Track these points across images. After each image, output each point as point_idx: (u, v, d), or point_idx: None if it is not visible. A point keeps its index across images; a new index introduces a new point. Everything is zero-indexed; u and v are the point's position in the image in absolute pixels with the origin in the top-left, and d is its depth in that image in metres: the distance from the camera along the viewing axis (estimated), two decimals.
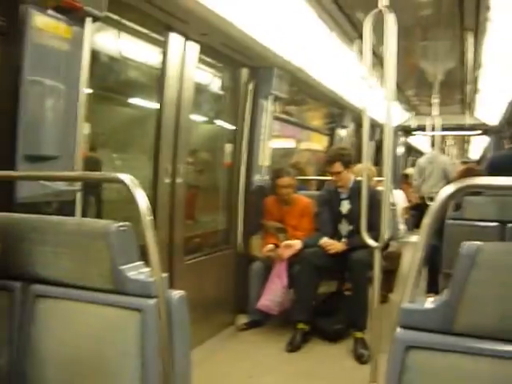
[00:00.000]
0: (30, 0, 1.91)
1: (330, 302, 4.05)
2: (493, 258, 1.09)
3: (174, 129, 3.22)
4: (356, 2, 3.56)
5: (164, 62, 3.10)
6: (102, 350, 1.37)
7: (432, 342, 1.12)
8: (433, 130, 7.15)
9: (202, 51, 3.39)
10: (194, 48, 3.27)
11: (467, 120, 8.24)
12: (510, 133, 5.42)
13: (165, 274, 1.35)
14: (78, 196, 2.22)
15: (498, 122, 7.66)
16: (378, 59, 4.35)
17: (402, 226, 5.77)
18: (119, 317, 1.36)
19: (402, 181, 9.31)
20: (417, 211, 8.05)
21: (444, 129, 7.54)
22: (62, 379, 1.42)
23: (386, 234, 2.76)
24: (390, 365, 1.16)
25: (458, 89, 6.87)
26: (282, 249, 3.84)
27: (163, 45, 3.09)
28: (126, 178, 1.36)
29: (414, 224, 8.36)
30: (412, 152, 13.12)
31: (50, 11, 1.98)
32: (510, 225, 3.40)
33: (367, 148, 2.99)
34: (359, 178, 3.44)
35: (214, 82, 4.16)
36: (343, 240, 3.81)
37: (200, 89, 3.78)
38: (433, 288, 4.13)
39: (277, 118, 4.85)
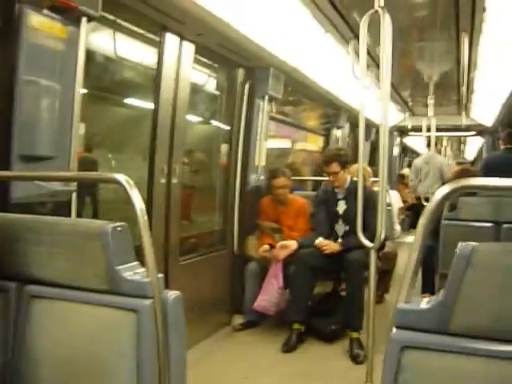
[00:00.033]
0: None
1: (326, 303, 4.05)
2: (488, 258, 1.09)
3: (169, 129, 3.22)
4: (352, 2, 3.56)
5: (159, 63, 3.09)
6: (98, 351, 1.36)
7: (428, 342, 1.12)
8: (428, 130, 7.16)
9: (198, 51, 3.39)
10: (189, 48, 3.27)
11: (463, 121, 8.26)
12: (505, 134, 5.43)
13: (160, 275, 1.35)
14: (74, 196, 2.22)
15: (493, 123, 7.69)
16: (374, 60, 4.36)
17: (397, 227, 5.79)
18: (115, 317, 1.36)
19: (397, 181, 9.35)
20: (412, 212, 8.08)
21: (439, 129, 7.55)
22: (57, 380, 1.42)
23: (381, 234, 2.77)
24: (386, 365, 1.16)
25: (454, 90, 6.88)
26: (278, 249, 3.84)
27: (159, 45, 3.09)
28: (122, 178, 1.36)
29: (410, 224, 8.40)
30: (408, 152, 13.16)
31: (45, 11, 1.97)
32: (505, 225, 3.42)
33: (363, 148, 3.00)
34: (355, 179, 3.45)
35: (209, 82, 4.16)
36: (339, 240, 3.81)
37: (196, 89, 3.77)
38: (427, 288, 4.15)
39: (272, 119, 4.85)
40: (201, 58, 3.69)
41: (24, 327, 1.46)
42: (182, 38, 3.18)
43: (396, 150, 10.03)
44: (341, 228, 3.88)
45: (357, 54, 3.02)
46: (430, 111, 6.80)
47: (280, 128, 6.60)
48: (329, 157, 3.87)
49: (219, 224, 4.24)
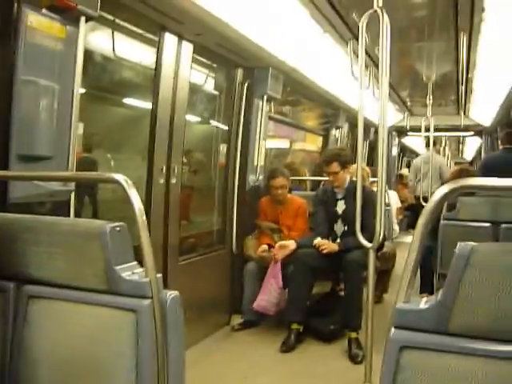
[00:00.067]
0: None
1: (325, 303, 4.05)
2: (487, 258, 1.09)
3: (168, 129, 3.22)
4: (351, 2, 3.56)
5: (158, 62, 3.09)
6: (96, 351, 1.36)
7: (426, 342, 1.12)
8: (427, 130, 7.17)
9: (197, 51, 3.39)
10: (188, 48, 3.27)
11: (461, 121, 8.27)
12: (503, 134, 5.44)
13: (159, 275, 1.35)
14: (72, 196, 2.21)
15: (491, 123, 7.70)
16: (373, 60, 4.36)
17: (396, 227, 5.80)
18: (113, 317, 1.35)
19: (396, 181, 9.36)
20: (411, 212, 8.09)
21: (438, 129, 7.56)
22: (55, 380, 1.42)
23: (380, 234, 2.77)
24: (385, 365, 1.16)
25: (452, 90, 6.89)
26: (277, 249, 3.84)
27: (157, 45, 3.09)
28: (121, 178, 1.36)
29: (409, 224, 8.41)
30: (406, 152, 13.16)
31: (44, 10, 1.97)
32: (503, 225, 3.42)
33: (362, 148, 3.00)
34: (355, 179, 3.45)
35: (208, 82, 4.16)
36: (338, 241, 3.81)
37: (194, 89, 3.77)
38: (426, 288, 4.15)
39: (271, 119, 4.85)
40: (199, 58, 3.69)
41: (22, 327, 1.46)
42: (181, 37, 3.18)
43: (395, 150, 10.04)
44: (340, 228, 3.88)
45: (355, 54, 3.03)
46: (429, 111, 6.80)
47: (279, 128, 6.61)
48: (329, 157, 3.87)
49: (218, 224, 4.24)
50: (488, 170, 4.97)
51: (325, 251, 3.66)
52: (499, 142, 5.75)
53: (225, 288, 4.06)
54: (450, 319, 1.11)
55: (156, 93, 3.11)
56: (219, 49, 3.52)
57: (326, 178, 4.03)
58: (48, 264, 1.46)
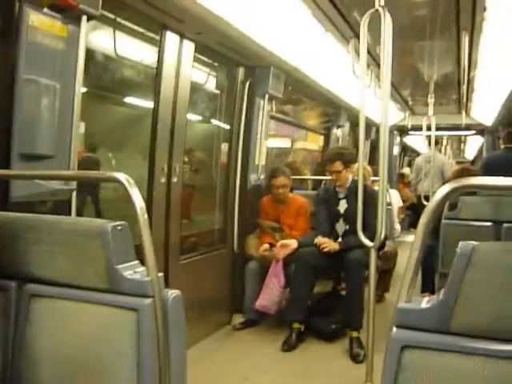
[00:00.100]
0: None
1: (326, 302, 4.05)
2: (489, 257, 1.09)
3: (169, 128, 3.21)
4: (352, 1, 3.55)
5: (159, 61, 3.09)
6: (98, 350, 1.36)
7: (428, 341, 1.12)
8: (428, 129, 7.16)
9: (198, 50, 3.38)
10: (189, 47, 3.27)
11: (463, 120, 8.26)
12: (505, 133, 5.44)
13: (160, 274, 1.35)
14: (74, 195, 2.22)
15: (493, 123, 7.69)
16: (374, 59, 4.35)
17: (397, 226, 5.80)
18: (115, 316, 1.36)
19: (397, 180, 9.36)
20: (413, 211, 8.09)
21: (439, 129, 7.56)
22: (57, 378, 1.42)
23: (381, 233, 2.76)
24: (386, 364, 1.16)
25: (454, 89, 6.88)
26: (278, 248, 3.84)
27: (159, 43, 3.09)
28: (122, 177, 1.36)
29: (410, 224, 8.41)
30: (408, 152, 13.15)
31: (45, 9, 1.97)
32: (505, 224, 3.42)
33: (363, 147, 2.99)
34: (357, 178, 3.44)
35: (209, 80, 4.16)
36: (339, 240, 3.81)
37: (196, 88, 3.77)
38: (427, 288, 4.15)
39: (273, 118, 4.85)
40: (201, 57, 3.69)
41: (24, 326, 1.46)
42: (182, 36, 3.18)
43: (396, 149, 10.04)
44: (341, 227, 3.87)
45: (357, 53, 3.02)
46: (430, 110, 6.80)
47: (280, 127, 6.61)
48: (332, 155, 3.87)
49: (219, 223, 4.24)
50: (489, 169, 4.96)
51: (325, 250, 3.66)
52: (500, 141, 5.74)
53: (226, 287, 4.06)
54: (451, 319, 1.10)
55: (157, 92, 3.11)
56: (220, 47, 3.52)
57: (328, 177, 4.02)
58: (49, 263, 1.46)
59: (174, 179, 3.28)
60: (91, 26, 2.29)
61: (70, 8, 2.03)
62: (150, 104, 3.20)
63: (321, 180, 5.72)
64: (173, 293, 1.36)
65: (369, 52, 3.55)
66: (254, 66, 3.99)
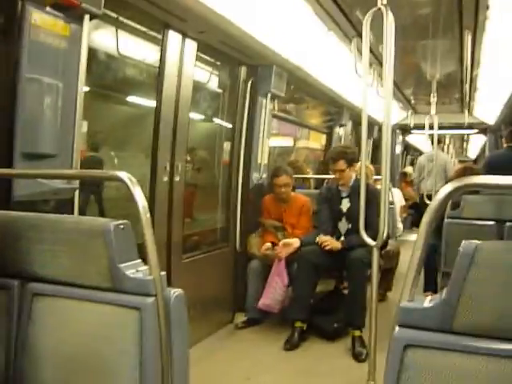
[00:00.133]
0: None
1: (328, 301, 4.05)
2: (492, 256, 1.09)
3: (172, 127, 3.22)
4: (355, 0, 3.55)
5: (162, 60, 3.09)
6: (100, 349, 1.36)
7: (431, 340, 1.12)
8: (431, 128, 7.15)
9: (200, 49, 3.38)
10: (191, 46, 3.27)
11: (465, 119, 8.25)
12: (508, 132, 5.42)
13: (163, 273, 1.35)
14: (76, 194, 2.22)
15: (496, 121, 7.67)
16: (377, 58, 4.35)
17: (400, 225, 5.79)
18: (117, 315, 1.36)
19: (400, 179, 9.35)
20: (415, 210, 8.09)
21: (442, 127, 7.55)
22: (59, 377, 1.42)
23: (384, 232, 2.76)
24: (389, 363, 1.16)
25: (457, 88, 6.87)
26: (280, 247, 3.84)
27: (161, 42, 3.09)
28: (124, 175, 1.36)
29: (412, 223, 8.40)
30: (410, 151, 13.14)
31: (47, 8, 1.97)
32: (508, 223, 3.41)
33: (365, 146, 2.99)
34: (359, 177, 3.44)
35: (212, 79, 4.16)
36: (342, 239, 3.81)
37: (198, 87, 3.77)
38: (430, 287, 4.14)
39: (275, 116, 4.85)
40: (203, 56, 3.69)
41: (27, 325, 1.47)
42: (185, 35, 3.18)
43: (398, 148, 10.03)
44: (344, 226, 3.87)
45: (359, 51, 3.01)
46: (433, 109, 6.79)
47: (282, 126, 6.60)
48: (336, 154, 3.86)
49: (221, 222, 4.24)
50: (492, 168, 4.95)
51: (327, 248, 3.66)
52: (503, 140, 5.73)
53: (228, 286, 4.06)
54: (454, 318, 1.10)
55: (160, 91, 3.11)
56: (223, 47, 3.51)
57: (330, 176, 4.02)
58: (52, 262, 1.46)
59: (177, 178, 3.28)
60: (94, 25, 2.29)
61: (73, 7, 2.03)
62: (152, 103, 3.20)
63: (323, 179, 5.72)
64: (175, 292, 1.36)
65: (371, 51, 3.53)
66: (257, 65, 3.99)
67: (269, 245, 3.96)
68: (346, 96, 5.78)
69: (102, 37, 2.96)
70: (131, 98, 3.64)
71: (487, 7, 3.33)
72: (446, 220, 3.68)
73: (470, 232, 3.44)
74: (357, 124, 6.76)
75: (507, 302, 1.06)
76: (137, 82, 3.53)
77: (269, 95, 4.10)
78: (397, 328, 1.17)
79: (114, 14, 2.78)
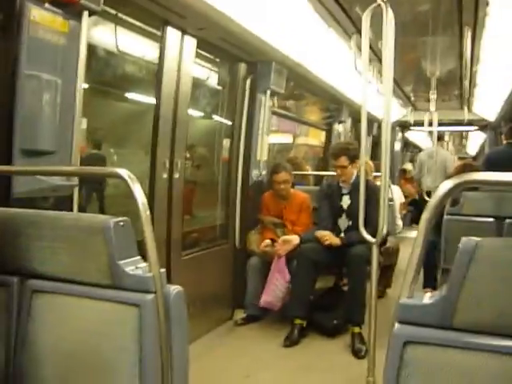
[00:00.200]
0: None
1: (328, 297, 4.05)
2: (491, 253, 1.09)
3: (171, 124, 3.21)
4: None
5: (161, 57, 3.09)
6: (100, 346, 1.36)
7: (431, 337, 1.12)
8: (430, 125, 7.15)
9: (200, 46, 3.38)
10: (191, 42, 3.26)
11: (465, 116, 8.25)
12: (507, 128, 5.42)
13: (163, 269, 1.35)
14: (75, 191, 2.22)
15: (495, 118, 7.67)
16: (376, 54, 4.34)
17: (399, 222, 5.79)
18: (117, 312, 1.36)
19: (399, 176, 9.35)
20: (414, 207, 8.09)
21: (442, 124, 7.55)
22: (59, 374, 1.42)
23: (383, 229, 2.76)
24: (389, 360, 1.16)
25: (456, 84, 6.87)
26: (280, 244, 3.84)
27: (160, 39, 3.08)
28: (124, 172, 1.36)
29: (412, 219, 8.41)
30: (410, 147, 13.14)
31: (46, 5, 1.97)
32: (507, 220, 3.41)
33: (365, 143, 2.99)
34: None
35: (211, 76, 4.15)
36: (341, 235, 3.81)
37: (197, 83, 3.77)
38: (429, 283, 4.15)
39: (274, 113, 4.84)
40: (203, 53, 3.68)
41: (26, 322, 1.47)
42: (184, 32, 3.17)
43: (398, 145, 10.02)
44: (344, 223, 3.87)
45: (359, 48, 3.01)
46: (432, 106, 6.78)
47: (282, 122, 6.60)
48: (338, 150, 3.86)
49: (221, 219, 4.24)
50: (492, 164, 4.95)
51: (326, 243, 3.66)
52: (503, 136, 5.73)
53: (228, 283, 4.07)
54: (454, 314, 1.10)
55: (159, 87, 3.10)
56: (222, 43, 3.51)
57: (329, 173, 4.02)
58: (51, 259, 1.46)
59: (176, 175, 3.28)
60: (93, 21, 2.29)
61: (72, 3, 2.03)
62: (151, 100, 3.19)
63: (322, 175, 5.72)
64: (175, 288, 1.36)
65: (371, 48, 3.53)
66: (256, 62, 3.99)
67: (268, 241, 3.96)
68: (346, 93, 5.78)
69: (101, 33, 2.96)
70: (130, 95, 3.63)
71: (487, 3, 3.32)
72: (445, 217, 3.68)
73: (469, 229, 3.44)
74: (356, 121, 6.75)
75: (507, 298, 1.06)
76: (136, 79, 3.53)
77: (268, 92, 4.09)
78: (396, 324, 1.17)
79: (113, 11, 2.77)
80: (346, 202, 3.86)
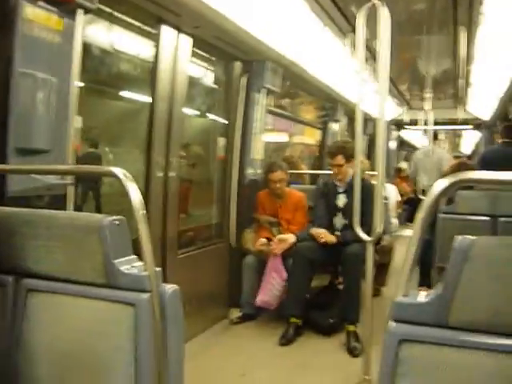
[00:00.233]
0: None
1: (324, 296, 4.06)
2: (486, 252, 1.09)
3: (166, 122, 3.21)
4: None
5: (156, 55, 3.08)
6: (95, 345, 1.36)
7: (426, 335, 1.12)
8: (425, 124, 7.17)
9: (195, 44, 3.37)
10: (186, 41, 3.25)
11: (460, 114, 8.27)
12: (502, 127, 5.44)
13: (158, 268, 1.35)
14: (70, 190, 2.21)
15: (490, 117, 7.69)
16: (371, 53, 4.35)
17: (394, 220, 5.80)
18: (112, 311, 1.35)
19: (395, 175, 9.37)
20: (409, 205, 8.10)
21: (437, 123, 7.57)
22: (54, 373, 1.42)
23: (378, 227, 2.77)
24: (384, 358, 1.16)
25: (451, 83, 6.89)
26: (276, 243, 3.84)
27: (156, 38, 3.07)
28: (119, 171, 1.35)
29: (407, 218, 8.42)
30: (405, 146, 13.16)
31: (40, 2, 1.96)
32: (501, 219, 3.42)
33: (360, 142, 2.99)
34: None
35: (206, 75, 4.14)
36: (337, 233, 3.81)
37: (193, 82, 3.76)
38: (424, 282, 4.16)
39: (270, 112, 4.84)
40: (198, 51, 3.67)
41: (21, 321, 1.46)
42: (179, 30, 3.16)
43: (393, 144, 10.04)
44: (340, 221, 3.88)
45: (354, 47, 3.01)
46: (427, 105, 6.80)
47: (278, 121, 6.60)
48: (335, 149, 3.87)
49: (216, 217, 4.24)
50: (487, 163, 4.96)
51: (322, 241, 3.66)
52: (499, 135, 5.74)
53: (223, 281, 4.06)
54: (449, 313, 1.11)
55: (154, 86, 3.10)
56: (218, 42, 3.50)
57: (324, 172, 4.02)
58: (46, 258, 1.46)
59: (172, 173, 3.27)
60: (87, 19, 2.28)
61: (66, 1, 2.02)
62: (147, 98, 3.18)
63: (318, 174, 5.72)
64: (170, 287, 1.36)
65: (366, 46, 3.54)
66: (252, 61, 3.98)
67: (264, 240, 3.96)
68: (341, 91, 5.78)
69: (95, 31, 2.94)
70: (126, 94, 3.62)
71: (481, 2, 3.33)
72: (440, 215, 3.68)
73: (464, 227, 3.45)
74: (352, 119, 6.76)
75: (502, 296, 1.07)
76: (131, 78, 3.51)
77: (263, 90, 4.09)
78: (391, 323, 1.17)
79: (107, 9, 2.76)
80: (342, 200, 3.87)
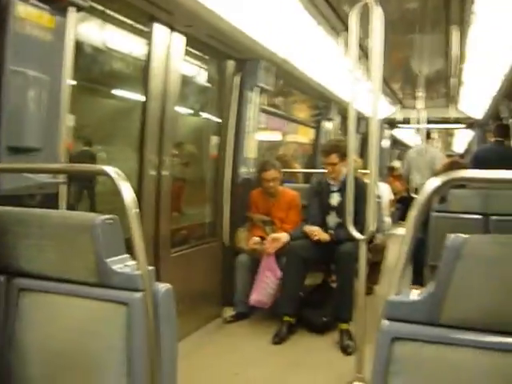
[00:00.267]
0: None
1: (317, 294, 4.06)
2: (478, 250, 1.10)
3: (159, 121, 3.20)
4: None
5: (149, 54, 3.07)
6: (88, 344, 1.36)
7: (418, 333, 1.13)
8: (418, 123, 7.20)
9: (188, 43, 3.36)
10: (179, 39, 3.24)
11: (452, 113, 8.30)
12: (495, 126, 5.47)
13: (151, 267, 1.34)
14: (62, 188, 2.20)
15: (483, 116, 7.73)
16: (364, 52, 4.35)
17: (387, 219, 5.82)
18: (105, 310, 1.35)
19: (388, 173, 9.39)
20: (402, 204, 8.12)
21: (429, 122, 7.60)
22: (46, 373, 1.41)
23: (371, 226, 2.77)
24: (377, 356, 1.17)
25: (444, 83, 6.92)
26: (269, 242, 3.84)
27: (148, 36, 3.06)
28: (111, 170, 1.35)
29: (400, 217, 8.45)
30: (398, 145, 13.21)
31: (32, 0, 1.94)
32: (493, 217, 3.44)
33: (353, 140, 3.00)
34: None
35: (200, 73, 4.13)
36: (330, 231, 3.82)
37: (186, 81, 3.75)
38: (416, 280, 4.17)
39: (263, 111, 4.84)
40: (191, 50, 3.66)
41: (13, 320, 1.45)
42: (172, 29, 3.15)
43: (386, 143, 10.07)
44: (333, 220, 3.88)
45: (347, 46, 3.01)
46: (420, 104, 6.82)
47: (271, 120, 6.60)
48: (329, 147, 3.87)
49: (210, 216, 4.24)
50: (479, 162, 4.99)
51: (315, 238, 3.67)
52: (491, 134, 5.77)
53: (216, 280, 4.06)
54: (441, 311, 1.11)
55: (147, 84, 3.09)
56: (211, 40, 3.50)
57: (318, 170, 4.03)
58: (39, 257, 1.45)
59: (164, 172, 3.27)
60: (79, 17, 2.26)
61: None
62: (139, 97, 3.17)
63: (311, 173, 5.73)
64: (163, 286, 1.35)
65: (359, 45, 3.55)
66: (245, 59, 3.98)
67: (257, 239, 3.96)
68: (334, 90, 5.79)
69: (88, 29, 2.93)
70: (118, 92, 3.60)
71: (473, 2, 3.35)
72: (432, 214, 3.70)
73: (456, 225, 3.46)
74: (345, 118, 6.77)
75: (494, 294, 1.07)
76: (124, 76, 3.50)
77: (256, 89, 4.09)
78: (384, 321, 1.17)
79: (100, 7, 2.74)
80: (335, 199, 3.88)
